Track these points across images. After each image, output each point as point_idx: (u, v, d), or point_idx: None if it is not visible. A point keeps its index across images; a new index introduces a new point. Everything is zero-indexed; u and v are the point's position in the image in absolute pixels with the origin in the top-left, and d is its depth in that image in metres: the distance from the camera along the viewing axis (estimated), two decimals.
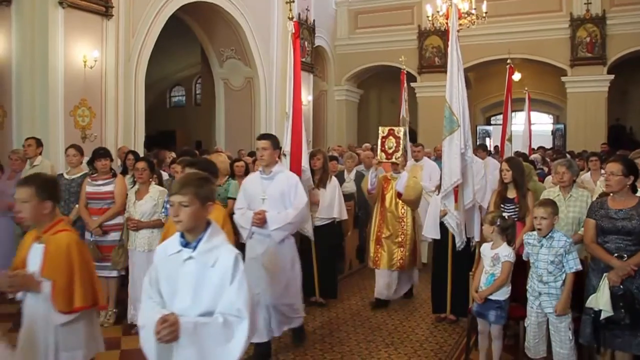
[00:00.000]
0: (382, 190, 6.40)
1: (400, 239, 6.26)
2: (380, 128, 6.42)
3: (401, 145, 6.16)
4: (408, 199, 6.13)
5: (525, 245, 4.26)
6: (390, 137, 6.23)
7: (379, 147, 6.33)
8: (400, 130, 6.22)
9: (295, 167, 5.98)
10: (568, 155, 11.20)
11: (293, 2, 6.69)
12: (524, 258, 4.33)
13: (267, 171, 4.74)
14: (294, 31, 6.12)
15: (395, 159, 6.20)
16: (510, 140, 9.61)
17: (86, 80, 9.24)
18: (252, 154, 11.02)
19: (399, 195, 6.19)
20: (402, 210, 6.29)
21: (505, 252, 4.32)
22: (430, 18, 11.89)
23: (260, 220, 4.61)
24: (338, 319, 5.98)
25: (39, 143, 6.81)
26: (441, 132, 5.60)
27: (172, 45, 15.72)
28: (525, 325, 4.23)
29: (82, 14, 9.10)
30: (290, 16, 6.37)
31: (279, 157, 5.04)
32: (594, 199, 5.12)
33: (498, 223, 4.37)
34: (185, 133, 20.85)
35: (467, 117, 5.44)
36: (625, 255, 3.80)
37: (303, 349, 5.09)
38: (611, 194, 4.03)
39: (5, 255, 6.54)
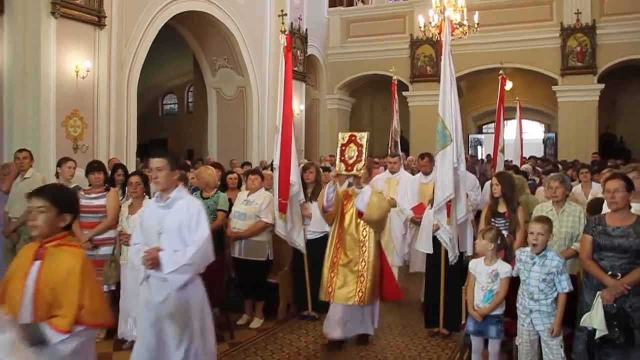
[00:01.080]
0: (342, 208, 5.42)
1: (359, 267, 5.23)
2: (340, 134, 5.52)
3: (364, 155, 5.23)
4: (370, 219, 5.18)
5: (517, 262, 4.27)
6: (352, 145, 5.30)
7: (338, 156, 5.41)
8: (363, 137, 5.28)
9: (284, 182, 5.98)
10: (560, 166, 11.28)
11: (286, 15, 6.70)
12: (513, 274, 4.35)
13: (163, 197, 3.79)
14: (286, 44, 6.14)
15: (357, 170, 5.23)
16: (502, 151, 9.66)
17: (78, 90, 9.23)
18: (244, 164, 11.04)
19: (360, 214, 5.24)
20: (364, 233, 5.29)
21: (506, 269, 4.34)
22: (422, 28, 11.94)
23: (151, 261, 3.63)
24: None
25: (31, 155, 6.77)
26: (433, 141, 5.60)
27: (164, 53, 15.70)
28: (517, 344, 4.23)
29: (74, 23, 9.11)
30: (283, 29, 6.37)
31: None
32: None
33: (498, 241, 4.40)
34: (177, 141, 20.81)
35: (460, 132, 5.45)
36: (619, 274, 3.81)
37: None
38: (608, 211, 4.05)
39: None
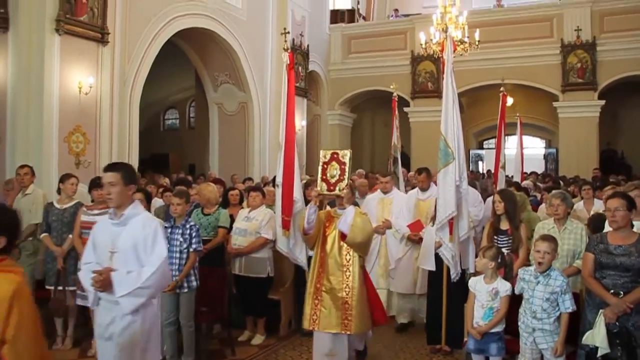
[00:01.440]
0: (323, 230, 5.04)
1: (344, 294, 4.83)
2: (321, 152, 5.16)
3: (347, 174, 4.88)
4: (354, 241, 4.79)
5: (519, 281, 4.26)
6: (334, 163, 4.96)
7: (319, 174, 5.04)
8: (346, 155, 4.95)
9: (287, 199, 5.98)
10: (561, 182, 11.29)
11: (288, 33, 6.74)
12: (516, 292, 4.34)
13: (117, 214, 3.54)
14: (288, 62, 6.16)
15: (339, 190, 4.88)
16: (503, 167, 9.69)
17: (81, 106, 9.25)
18: (246, 180, 11.06)
19: (342, 236, 4.87)
20: (347, 257, 4.91)
21: (506, 287, 4.35)
22: (423, 45, 12.00)
23: (102, 283, 3.35)
24: None
25: (32, 171, 6.79)
26: (434, 156, 5.61)
27: (166, 69, 15.80)
28: None
29: (78, 40, 9.15)
30: (285, 47, 6.40)
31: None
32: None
33: (499, 260, 4.40)
34: (179, 156, 20.84)
35: (462, 150, 5.48)
36: (622, 292, 3.81)
37: None
38: (610, 229, 4.07)
39: None
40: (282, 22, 14.00)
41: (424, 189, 6.80)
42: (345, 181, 4.87)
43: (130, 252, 3.43)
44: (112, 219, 3.54)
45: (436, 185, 6.63)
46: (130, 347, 3.40)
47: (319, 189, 4.97)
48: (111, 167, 3.57)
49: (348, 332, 4.81)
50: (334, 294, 4.85)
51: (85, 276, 3.50)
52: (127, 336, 3.39)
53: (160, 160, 19.40)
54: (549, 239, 4.21)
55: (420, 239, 6.29)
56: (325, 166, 4.98)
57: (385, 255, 6.90)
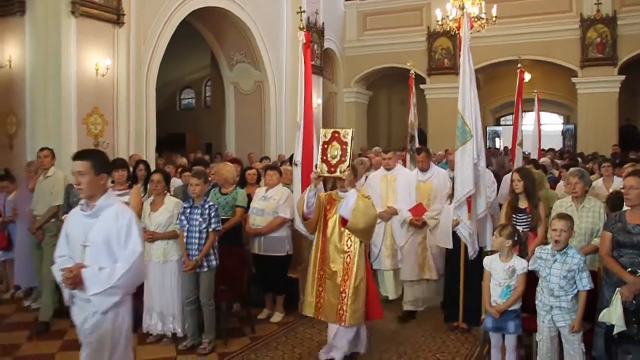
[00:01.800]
0: (324, 214, 4.82)
1: (341, 282, 4.66)
2: (322, 130, 4.86)
3: (348, 154, 4.62)
4: (355, 227, 4.56)
5: (537, 259, 4.26)
6: (334, 143, 4.69)
7: (319, 155, 4.79)
8: (348, 134, 4.66)
9: (307, 177, 6.00)
10: (579, 159, 11.19)
11: (304, 12, 6.70)
12: (530, 268, 4.34)
13: (89, 205, 3.28)
14: (304, 41, 6.14)
15: (340, 172, 4.63)
16: (521, 144, 9.62)
17: (98, 87, 9.32)
18: (263, 159, 11.11)
19: (343, 222, 4.63)
20: (348, 242, 4.69)
21: (522, 265, 4.36)
22: (439, 22, 11.87)
23: (72, 280, 3.13)
24: None
25: (53, 154, 6.89)
26: (451, 133, 5.59)
27: (181, 48, 15.80)
28: (537, 340, 4.25)
29: (94, 22, 9.19)
30: (301, 26, 6.37)
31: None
32: None
33: (515, 238, 4.41)
34: (195, 135, 20.92)
35: (480, 128, 5.45)
36: (639, 271, 3.80)
37: None
38: (629, 208, 4.04)
39: (24, 259, 6.69)
40: (297, 0, 13.92)
41: (423, 170, 6.51)
42: (347, 162, 4.65)
43: (102, 246, 3.21)
44: (84, 211, 3.29)
45: (441, 163, 6.57)
46: (99, 346, 3.23)
47: (318, 170, 4.75)
48: (80, 156, 3.31)
49: (342, 324, 4.70)
50: (335, 282, 4.71)
51: (58, 271, 3.28)
52: (97, 335, 3.22)
53: (177, 140, 19.49)
54: (565, 217, 4.20)
55: (423, 223, 6.25)
56: (325, 146, 4.75)
57: (391, 234, 6.61)
